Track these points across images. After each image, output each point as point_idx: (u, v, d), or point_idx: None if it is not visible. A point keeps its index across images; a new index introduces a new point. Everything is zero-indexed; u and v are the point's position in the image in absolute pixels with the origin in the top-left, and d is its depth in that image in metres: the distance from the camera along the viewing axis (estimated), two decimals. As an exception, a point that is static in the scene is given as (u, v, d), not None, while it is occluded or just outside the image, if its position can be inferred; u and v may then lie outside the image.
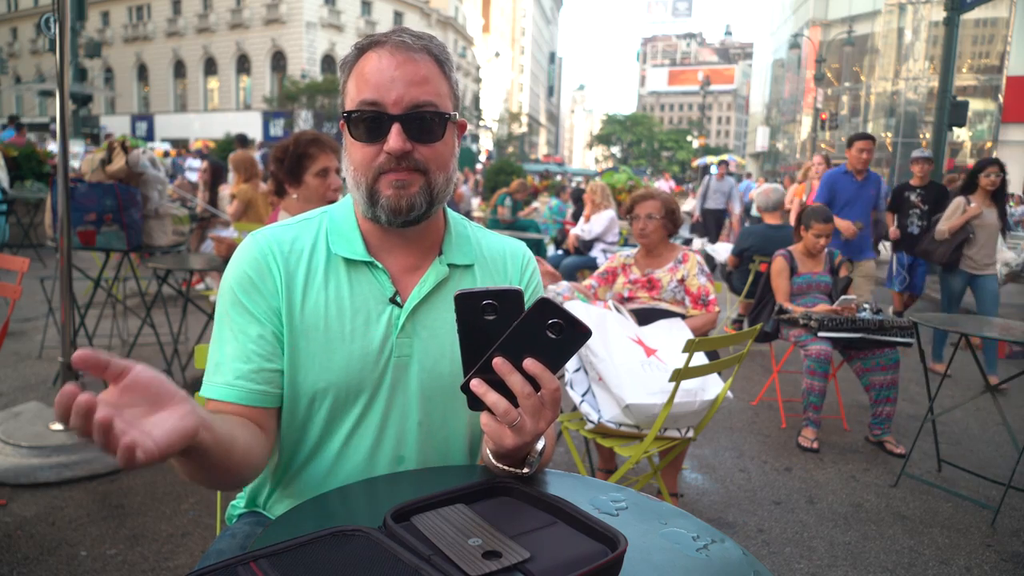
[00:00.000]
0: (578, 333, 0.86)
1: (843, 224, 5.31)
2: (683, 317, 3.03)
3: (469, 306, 0.86)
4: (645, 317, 2.99)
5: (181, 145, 32.75)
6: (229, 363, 1.09)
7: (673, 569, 0.85)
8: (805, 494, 3.21)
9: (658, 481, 2.63)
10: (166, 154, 14.83)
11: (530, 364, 0.87)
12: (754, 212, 8.92)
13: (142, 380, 0.75)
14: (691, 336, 2.70)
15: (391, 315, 1.13)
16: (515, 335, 0.86)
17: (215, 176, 8.42)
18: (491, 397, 0.88)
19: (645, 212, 3.21)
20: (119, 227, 3.89)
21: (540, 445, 1.00)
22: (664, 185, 21.82)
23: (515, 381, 0.88)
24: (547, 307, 0.84)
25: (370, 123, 1.08)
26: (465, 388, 0.89)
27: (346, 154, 1.14)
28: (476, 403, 0.90)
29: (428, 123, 1.09)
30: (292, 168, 2.88)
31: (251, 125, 36.49)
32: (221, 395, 1.09)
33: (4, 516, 2.59)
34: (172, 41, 44.50)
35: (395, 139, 1.06)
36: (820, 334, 3.72)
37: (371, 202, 1.11)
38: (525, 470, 0.99)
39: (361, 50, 1.11)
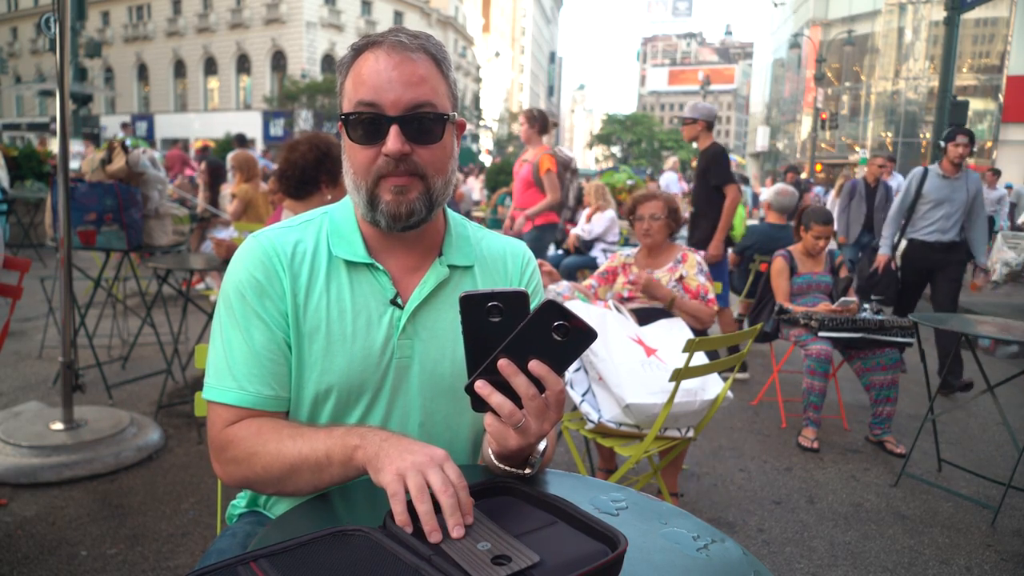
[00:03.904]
0: (583, 335, 0.86)
1: None
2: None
3: (474, 308, 0.86)
4: (645, 317, 2.99)
5: (181, 145, 32.72)
6: (241, 368, 1.08)
7: (673, 569, 0.85)
8: (805, 494, 3.21)
9: (658, 481, 2.63)
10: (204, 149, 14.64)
11: (535, 366, 0.87)
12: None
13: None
14: (691, 336, 2.70)
15: (392, 316, 1.13)
16: (520, 337, 0.86)
17: (215, 176, 8.42)
18: (496, 398, 0.88)
19: (649, 212, 3.21)
20: (119, 227, 3.89)
21: (542, 446, 1.00)
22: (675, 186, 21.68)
23: (520, 383, 0.87)
24: (553, 309, 0.84)
25: (368, 125, 1.07)
26: (469, 389, 0.89)
27: (345, 156, 1.14)
28: (480, 404, 0.90)
29: (427, 124, 1.08)
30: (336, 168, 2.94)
31: (251, 125, 36.47)
32: (234, 400, 1.08)
33: (4, 516, 2.59)
34: (172, 41, 44.47)
35: (393, 141, 1.05)
36: (820, 334, 3.72)
37: (371, 207, 1.10)
38: (527, 471, 0.99)
39: (357, 51, 1.10)
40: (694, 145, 5.13)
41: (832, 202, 9.08)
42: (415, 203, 1.09)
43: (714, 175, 4.84)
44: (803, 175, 15.51)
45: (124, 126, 15.27)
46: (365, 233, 1.17)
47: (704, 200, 4.92)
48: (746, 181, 15.96)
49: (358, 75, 1.08)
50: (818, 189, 16.03)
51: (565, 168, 5.70)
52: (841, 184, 9.28)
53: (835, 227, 7.29)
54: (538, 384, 0.88)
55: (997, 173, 11.62)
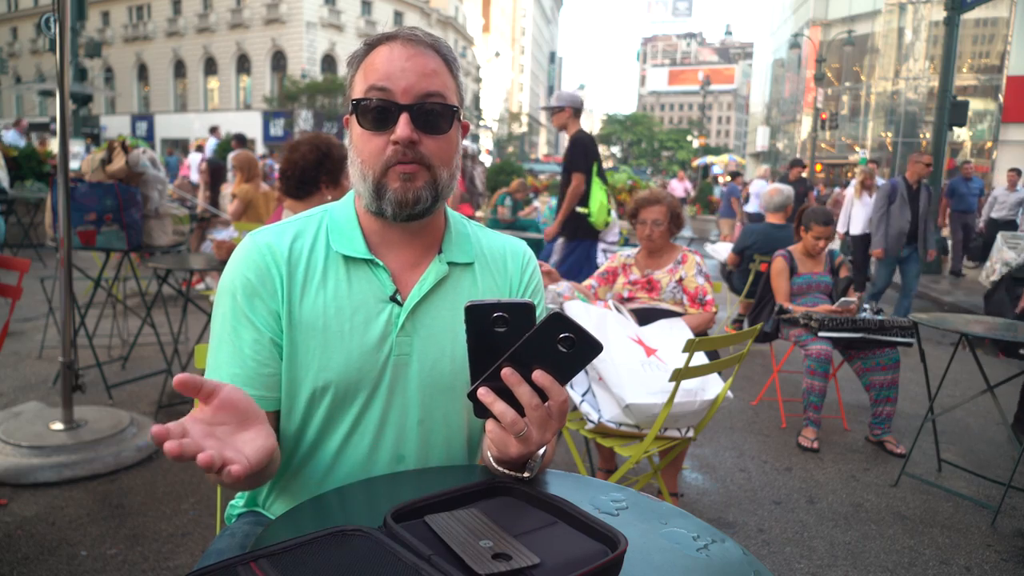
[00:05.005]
0: (589, 348, 0.86)
1: None
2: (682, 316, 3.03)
3: (479, 317, 0.86)
4: (645, 317, 2.99)
5: (181, 145, 32.78)
6: (225, 368, 1.09)
7: (673, 569, 0.84)
8: (805, 494, 3.21)
9: (658, 481, 2.63)
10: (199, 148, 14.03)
11: (539, 376, 0.87)
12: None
13: (232, 399, 0.83)
14: (691, 336, 2.70)
15: (391, 313, 1.13)
16: (525, 347, 0.86)
17: (215, 176, 8.44)
18: (498, 407, 0.89)
19: (652, 218, 3.21)
20: (119, 227, 3.89)
21: (541, 450, 1.00)
22: (679, 185, 21.67)
23: (523, 392, 0.88)
24: (560, 321, 0.85)
25: (378, 112, 1.08)
26: (472, 396, 0.89)
27: (352, 146, 1.14)
28: (482, 411, 0.90)
29: (436, 115, 1.09)
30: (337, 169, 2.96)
31: (251, 125, 36.47)
32: None
33: (4, 516, 2.59)
34: (172, 41, 44.45)
35: (403, 128, 1.06)
36: (820, 334, 3.72)
37: (377, 195, 1.11)
38: (525, 474, 0.99)
39: (371, 45, 1.12)
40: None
41: (850, 202, 8.25)
42: (421, 191, 1.10)
43: (567, 159, 4.90)
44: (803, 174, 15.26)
45: (213, 130, 14.78)
46: (365, 229, 1.17)
47: (566, 185, 5.00)
48: (734, 177, 15.77)
49: (371, 64, 1.10)
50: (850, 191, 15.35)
51: (464, 155, 5.75)
52: (862, 181, 8.16)
53: (871, 237, 6.33)
54: (541, 394, 0.89)
55: (1019, 172, 10.62)
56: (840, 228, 8.26)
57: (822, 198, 14.59)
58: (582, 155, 4.87)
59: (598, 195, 4.89)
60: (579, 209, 4.92)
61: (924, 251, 6.17)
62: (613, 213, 7.00)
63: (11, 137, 11.28)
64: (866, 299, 6.40)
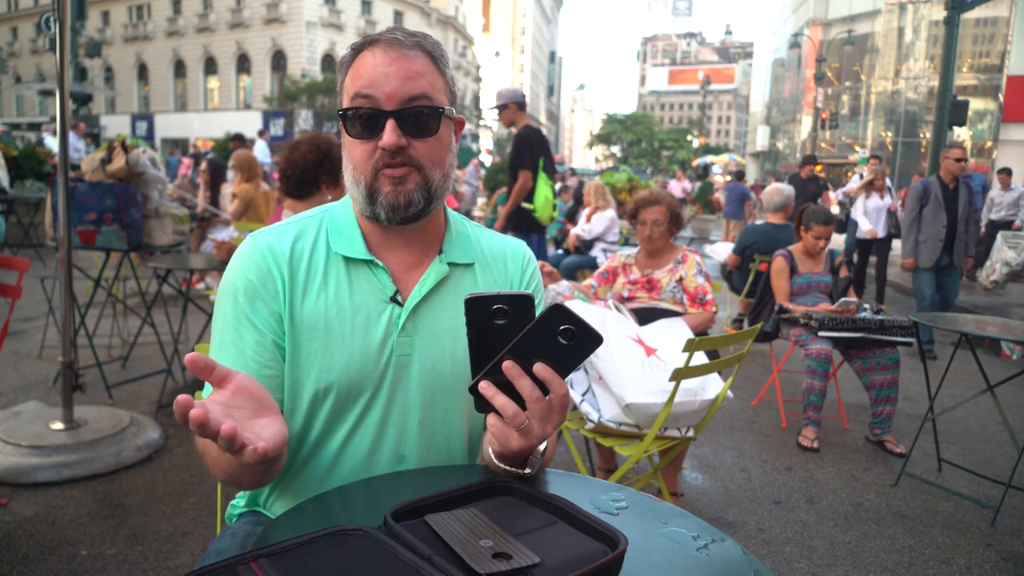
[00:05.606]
0: (589, 340, 0.86)
1: None
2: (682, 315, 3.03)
3: (479, 310, 0.86)
4: (645, 316, 3.00)
5: (181, 145, 32.78)
6: None
7: (673, 568, 0.84)
8: (805, 493, 3.21)
9: (658, 480, 2.63)
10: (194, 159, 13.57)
11: (540, 369, 0.87)
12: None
13: (247, 386, 0.86)
14: (691, 335, 2.70)
15: (392, 314, 1.13)
16: (526, 340, 0.86)
17: (216, 176, 8.45)
18: (499, 400, 0.89)
19: (652, 218, 3.21)
20: (119, 227, 3.89)
21: (542, 446, 1.00)
22: (677, 185, 21.65)
23: (524, 385, 0.88)
24: (560, 313, 0.84)
25: (365, 120, 1.08)
26: (473, 390, 0.89)
27: (345, 153, 1.14)
28: (483, 405, 0.90)
29: (422, 118, 1.09)
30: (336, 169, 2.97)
31: (251, 124, 36.40)
32: None
33: (4, 516, 2.59)
34: (172, 41, 44.44)
35: (389, 135, 1.06)
36: (820, 333, 3.72)
37: (370, 200, 1.11)
38: (527, 470, 0.99)
39: (356, 50, 1.12)
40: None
41: (860, 201, 7.67)
42: (413, 193, 1.10)
43: (512, 156, 4.92)
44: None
45: (261, 132, 13.92)
46: (365, 230, 1.17)
47: (512, 181, 4.99)
48: (740, 176, 15.67)
49: (356, 71, 1.10)
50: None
51: None
52: (871, 180, 7.58)
53: (902, 244, 5.72)
54: (543, 387, 0.89)
55: (1009, 172, 10.55)
56: (864, 226, 7.59)
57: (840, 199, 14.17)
58: (527, 151, 4.87)
59: (543, 190, 4.90)
60: (524, 204, 4.95)
61: (960, 257, 5.59)
62: (613, 212, 7.02)
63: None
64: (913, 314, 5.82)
